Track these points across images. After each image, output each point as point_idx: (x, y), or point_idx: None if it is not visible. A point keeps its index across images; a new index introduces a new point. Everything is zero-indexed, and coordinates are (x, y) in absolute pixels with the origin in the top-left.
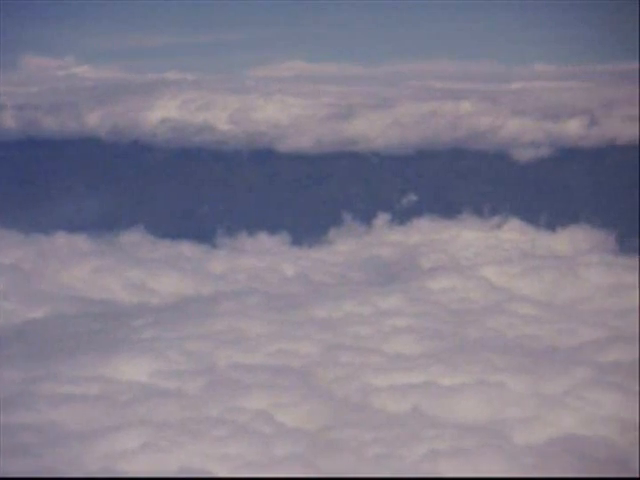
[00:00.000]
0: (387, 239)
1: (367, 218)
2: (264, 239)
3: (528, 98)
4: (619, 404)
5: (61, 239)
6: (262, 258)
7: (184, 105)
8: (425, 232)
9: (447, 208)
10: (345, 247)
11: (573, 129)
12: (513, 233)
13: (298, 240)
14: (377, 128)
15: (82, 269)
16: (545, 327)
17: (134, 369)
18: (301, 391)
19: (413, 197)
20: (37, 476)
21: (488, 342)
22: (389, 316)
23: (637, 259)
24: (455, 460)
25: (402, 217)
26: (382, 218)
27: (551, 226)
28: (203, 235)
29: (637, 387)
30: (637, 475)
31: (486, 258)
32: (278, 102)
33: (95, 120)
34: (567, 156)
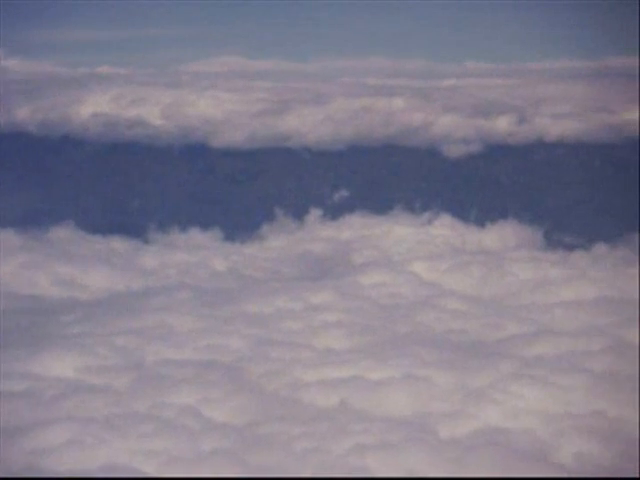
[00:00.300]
0: (319, 235)
1: (299, 214)
2: (196, 235)
3: (459, 95)
4: (542, 397)
5: None
6: (194, 253)
7: (116, 100)
8: (357, 228)
9: (379, 204)
10: (277, 243)
11: (503, 126)
12: (444, 229)
13: (230, 236)
14: (310, 124)
15: (10, 264)
16: (472, 321)
17: (62, 365)
18: (230, 386)
19: (345, 193)
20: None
21: (416, 337)
22: (320, 311)
23: (564, 254)
24: (381, 454)
25: (334, 213)
26: (314, 214)
27: (481, 222)
28: (134, 230)
29: (560, 380)
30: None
31: (417, 254)
32: (211, 97)
33: (25, 114)
34: (496, 153)
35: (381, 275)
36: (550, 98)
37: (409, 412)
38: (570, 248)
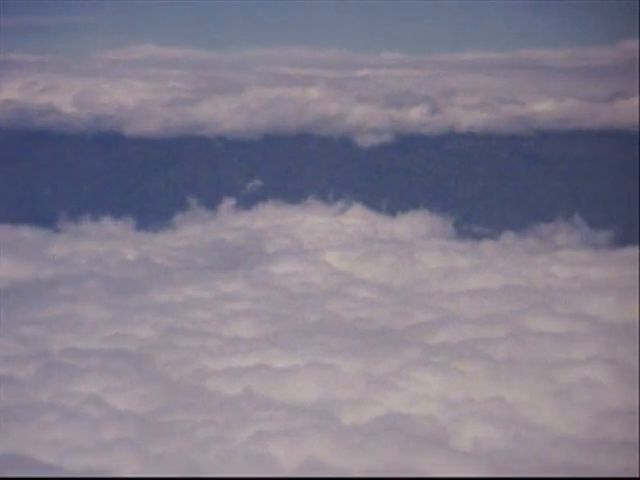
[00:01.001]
0: (232, 224)
1: (212, 203)
2: (108, 224)
3: (373, 85)
4: (443, 383)
5: None
6: (104, 242)
7: (27, 87)
8: (270, 217)
9: (292, 193)
10: (190, 232)
11: (415, 116)
12: (356, 218)
13: (143, 225)
14: (224, 113)
15: None
16: (381, 310)
17: None
18: (135, 375)
19: (258, 182)
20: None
21: (325, 325)
22: (229, 300)
23: (473, 243)
24: (282, 440)
25: (247, 202)
26: (227, 203)
27: (392, 211)
28: (45, 219)
29: (462, 367)
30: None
31: (329, 243)
32: (125, 86)
33: None
34: (409, 143)
35: (292, 264)
36: (461, 89)
37: (313, 399)
38: (479, 238)
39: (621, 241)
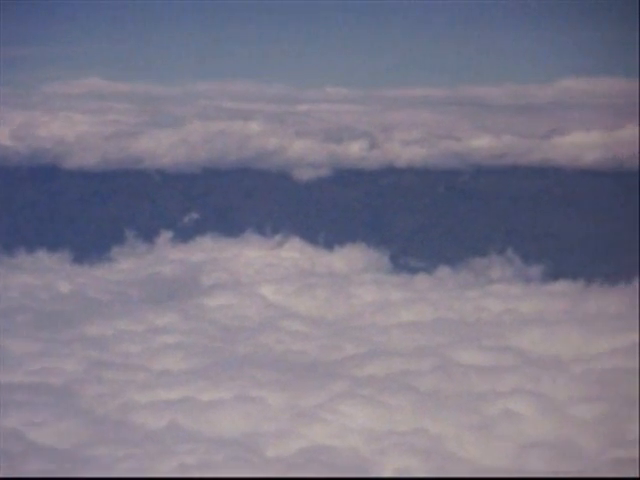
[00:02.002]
0: (169, 257)
1: (150, 236)
2: (44, 257)
3: (313, 120)
4: (368, 416)
5: None
6: (39, 276)
7: None
8: (208, 250)
9: (230, 227)
10: (126, 265)
11: (354, 151)
12: (293, 252)
13: (79, 258)
14: (164, 146)
15: None
16: (312, 343)
17: None
18: (58, 409)
19: (197, 215)
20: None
21: (255, 358)
22: (161, 333)
23: (408, 277)
24: (204, 473)
25: (185, 235)
26: (165, 236)
27: (329, 245)
28: None
29: (388, 399)
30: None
31: (265, 276)
32: (65, 119)
33: None
34: (347, 177)
35: (227, 297)
36: (401, 125)
37: (238, 432)
38: (415, 271)
39: (552, 275)
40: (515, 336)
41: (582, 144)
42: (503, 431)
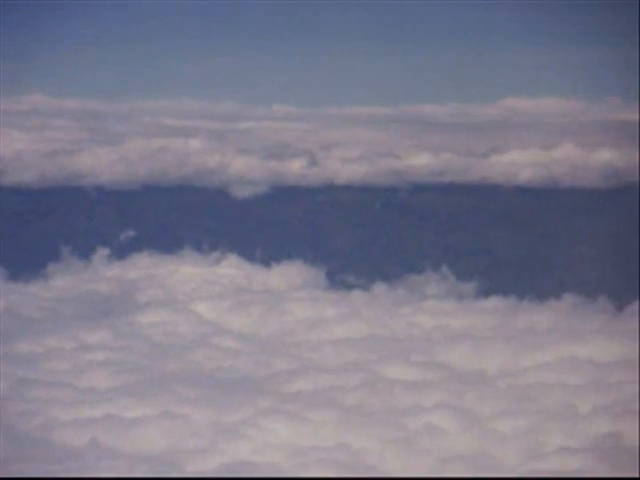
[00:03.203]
0: (105, 274)
1: (86, 253)
2: None
3: (255, 138)
4: (292, 432)
5: None
6: None
7: None
8: (144, 267)
9: (168, 244)
10: (61, 282)
11: (295, 169)
12: (230, 269)
13: (14, 275)
14: (104, 163)
15: None
16: (243, 359)
17: None
18: None
19: (134, 232)
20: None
21: (184, 375)
22: (90, 351)
23: (344, 294)
24: None
25: (122, 252)
26: (101, 253)
27: (267, 262)
28: None
29: (312, 415)
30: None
31: (201, 293)
32: (3, 136)
33: None
34: (287, 194)
35: (161, 314)
36: (342, 143)
37: (160, 449)
38: (351, 288)
39: (485, 292)
40: (443, 352)
41: (519, 162)
42: (424, 445)
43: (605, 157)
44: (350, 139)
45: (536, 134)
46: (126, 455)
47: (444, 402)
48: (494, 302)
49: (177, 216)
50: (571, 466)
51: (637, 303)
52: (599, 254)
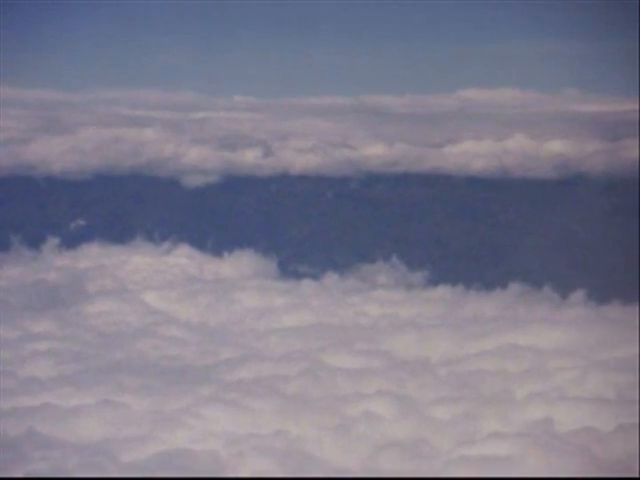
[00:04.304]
0: (55, 264)
1: (36, 243)
2: None
3: (210, 128)
4: (231, 420)
5: None
6: None
7: None
8: (95, 257)
9: (119, 233)
10: (11, 272)
11: (249, 159)
12: (182, 258)
13: None
14: (56, 153)
15: None
16: (188, 348)
17: None
18: None
19: (85, 222)
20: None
21: (128, 364)
22: (34, 340)
23: (295, 283)
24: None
25: (72, 242)
26: (51, 243)
27: (218, 252)
28: None
29: (252, 403)
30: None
31: (151, 283)
32: None
33: None
34: (240, 185)
35: (109, 304)
36: (297, 133)
37: (97, 438)
38: (303, 278)
39: (434, 281)
40: (388, 340)
41: (472, 153)
42: (361, 432)
43: (556, 148)
44: (306, 129)
45: (491, 125)
46: (62, 444)
47: (384, 389)
48: (442, 291)
49: (129, 206)
50: (502, 451)
51: (581, 291)
52: (547, 244)
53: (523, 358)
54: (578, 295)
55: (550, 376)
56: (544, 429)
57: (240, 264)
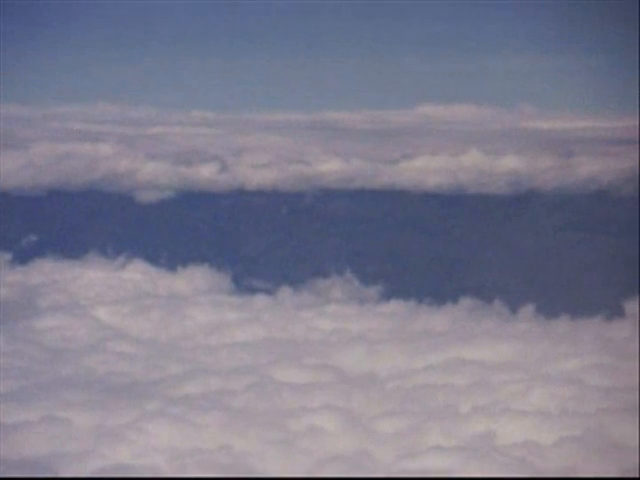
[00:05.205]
0: (6, 279)
1: None
2: None
3: (165, 143)
4: (175, 435)
5: None
6: None
7: None
8: (47, 272)
9: (72, 249)
10: None
11: (205, 174)
12: (135, 273)
13: None
14: (9, 169)
15: None
16: (137, 364)
17: None
18: None
19: (37, 237)
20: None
21: (75, 379)
22: None
23: (248, 298)
24: None
25: (25, 257)
26: (3, 258)
27: (173, 267)
28: None
29: (198, 418)
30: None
31: (104, 298)
32: None
33: None
34: (195, 200)
35: (59, 319)
36: (252, 148)
37: (40, 454)
38: (257, 292)
39: (387, 296)
40: (338, 355)
41: (427, 169)
42: (305, 446)
43: (510, 164)
44: (262, 145)
45: (447, 140)
46: (2, 461)
47: (330, 404)
48: (394, 306)
49: (83, 221)
50: (442, 464)
51: (531, 306)
52: (499, 259)
53: (469, 372)
54: (527, 310)
55: (495, 390)
56: (485, 442)
57: (194, 279)
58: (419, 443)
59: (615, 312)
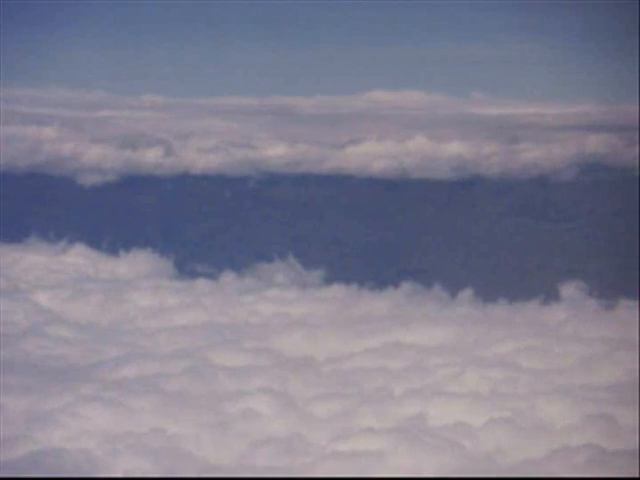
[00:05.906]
0: None
1: None
2: None
3: (110, 126)
4: (107, 418)
5: None
6: None
7: None
8: None
9: (14, 232)
10: None
11: (150, 158)
12: (77, 257)
13: None
14: None
15: None
16: (74, 348)
17: None
18: None
19: None
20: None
21: (10, 363)
22: None
23: (190, 282)
24: None
25: None
26: None
27: (115, 251)
28: None
29: (131, 401)
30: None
31: (44, 282)
32: None
33: None
34: (139, 184)
35: None
36: (199, 132)
37: None
38: (199, 277)
39: (329, 280)
40: (277, 338)
41: (373, 154)
42: (240, 429)
43: (455, 150)
44: (209, 129)
45: (394, 126)
46: None
47: (266, 387)
48: (336, 290)
49: (24, 204)
50: (373, 446)
51: (470, 290)
52: (442, 244)
53: (406, 356)
54: (466, 294)
55: (429, 373)
56: (417, 424)
57: (136, 263)
58: (352, 425)
59: (552, 296)
